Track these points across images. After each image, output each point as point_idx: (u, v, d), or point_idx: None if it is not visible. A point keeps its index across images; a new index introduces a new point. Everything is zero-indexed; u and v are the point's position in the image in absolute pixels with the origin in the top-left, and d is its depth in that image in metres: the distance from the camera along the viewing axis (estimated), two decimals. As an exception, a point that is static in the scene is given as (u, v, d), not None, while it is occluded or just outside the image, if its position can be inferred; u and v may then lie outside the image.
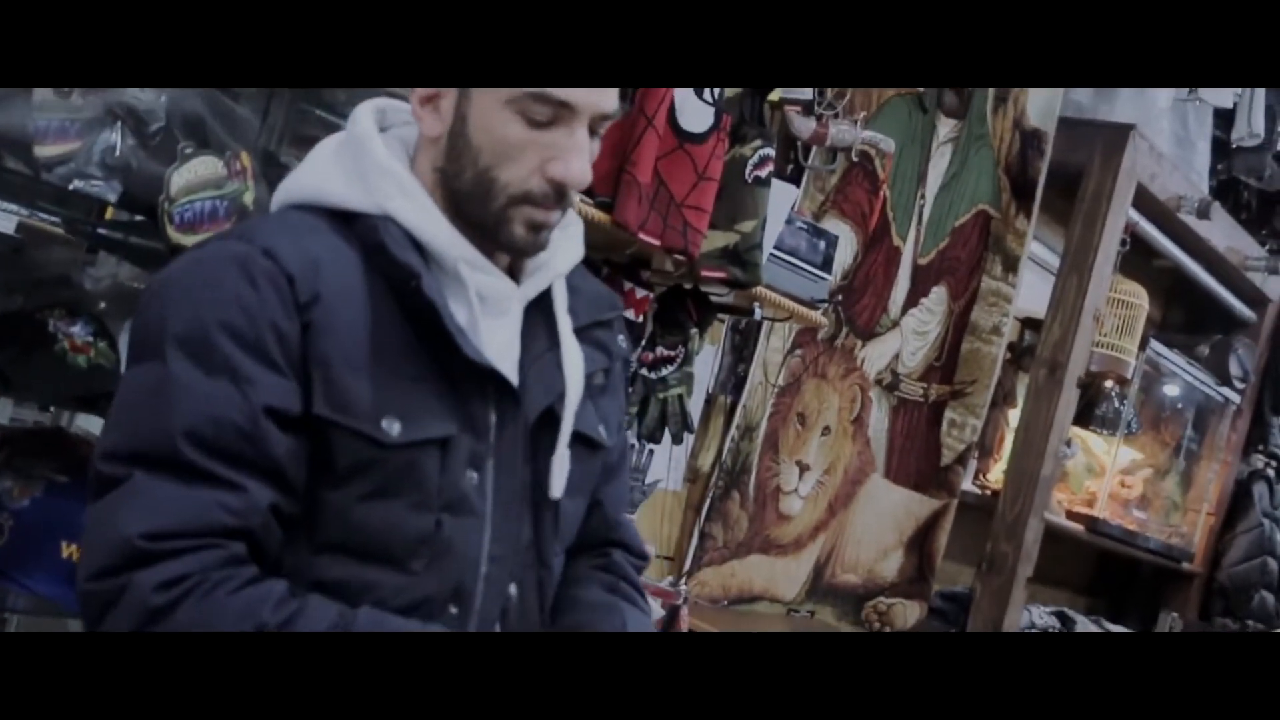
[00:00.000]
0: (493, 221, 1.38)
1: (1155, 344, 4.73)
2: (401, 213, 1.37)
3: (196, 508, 1.23)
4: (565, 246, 1.49)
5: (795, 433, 3.49)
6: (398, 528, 1.33)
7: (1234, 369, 5.19)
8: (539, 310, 1.48)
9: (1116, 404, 4.48)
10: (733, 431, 3.27)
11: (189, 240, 1.64)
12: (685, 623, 2.97)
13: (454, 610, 1.36)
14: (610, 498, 1.61)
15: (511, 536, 1.41)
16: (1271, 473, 5.51)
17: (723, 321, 3.13)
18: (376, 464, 1.31)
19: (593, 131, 1.38)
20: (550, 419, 1.45)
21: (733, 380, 3.27)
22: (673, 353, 2.67)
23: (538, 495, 1.45)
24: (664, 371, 2.66)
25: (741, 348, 3.27)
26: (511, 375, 1.41)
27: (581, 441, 1.49)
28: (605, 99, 1.37)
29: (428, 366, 1.35)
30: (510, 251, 1.43)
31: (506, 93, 1.33)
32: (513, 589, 1.43)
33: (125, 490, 1.23)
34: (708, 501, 3.26)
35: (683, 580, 3.15)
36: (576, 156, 1.36)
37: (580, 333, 1.51)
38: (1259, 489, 5.42)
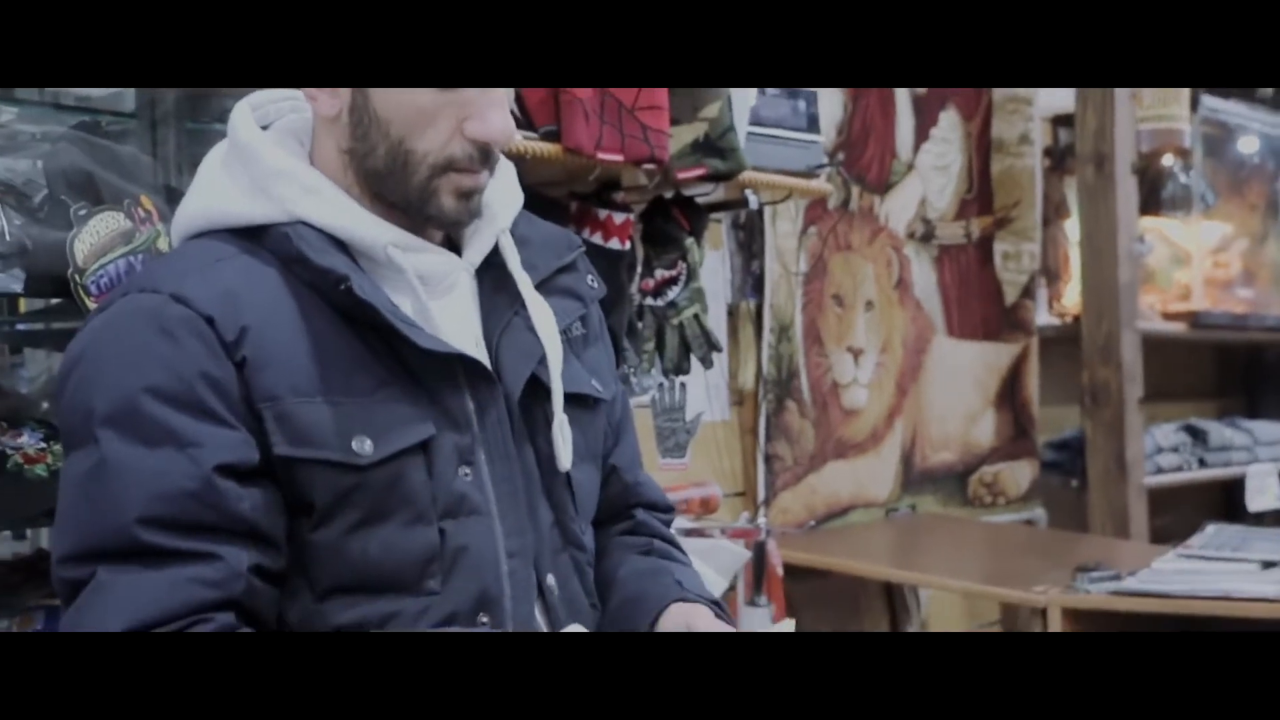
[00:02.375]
0: (417, 196, 1.42)
1: (1207, 100, 4.74)
2: (312, 213, 1.40)
3: (172, 590, 1.27)
4: (499, 197, 1.51)
5: (836, 317, 3.54)
6: (400, 550, 1.37)
7: (1308, 100, 5.20)
8: (491, 274, 1.51)
9: (1182, 179, 4.51)
10: (767, 336, 3.32)
11: (112, 308, 1.69)
12: (776, 557, 3.04)
13: (485, 620, 1.39)
14: (623, 459, 1.65)
15: (527, 526, 1.45)
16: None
17: (719, 222, 3.17)
18: (358, 489, 1.35)
19: None
20: (536, 388, 1.48)
21: (750, 281, 3.32)
22: (673, 272, 2.72)
23: (546, 473, 1.49)
24: (670, 294, 2.71)
25: (748, 244, 3.31)
26: (478, 353, 1.44)
27: (576, 402, 1.52)
28: None
29: (385, 371, 1.38)
30: (442, 225, 1.46)
31: None
32: (550, 579, 1.47)
33: (93, 591, 1.27)
34: (763, 420, 3.32)
35: (760, 513, 3.21)
36: (495, 110, 1.40)
37: (543, 286, 1.53)
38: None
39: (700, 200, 2.77)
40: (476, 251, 1.50)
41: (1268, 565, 2.72)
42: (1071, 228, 4.31)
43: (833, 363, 3.53)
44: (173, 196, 1.95)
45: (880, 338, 3.69)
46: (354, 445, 1.35)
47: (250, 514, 1.31)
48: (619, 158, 2.42)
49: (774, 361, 3.35)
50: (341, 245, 1.41)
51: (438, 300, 1.45)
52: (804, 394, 3.44)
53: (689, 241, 2.73)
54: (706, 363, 2.78)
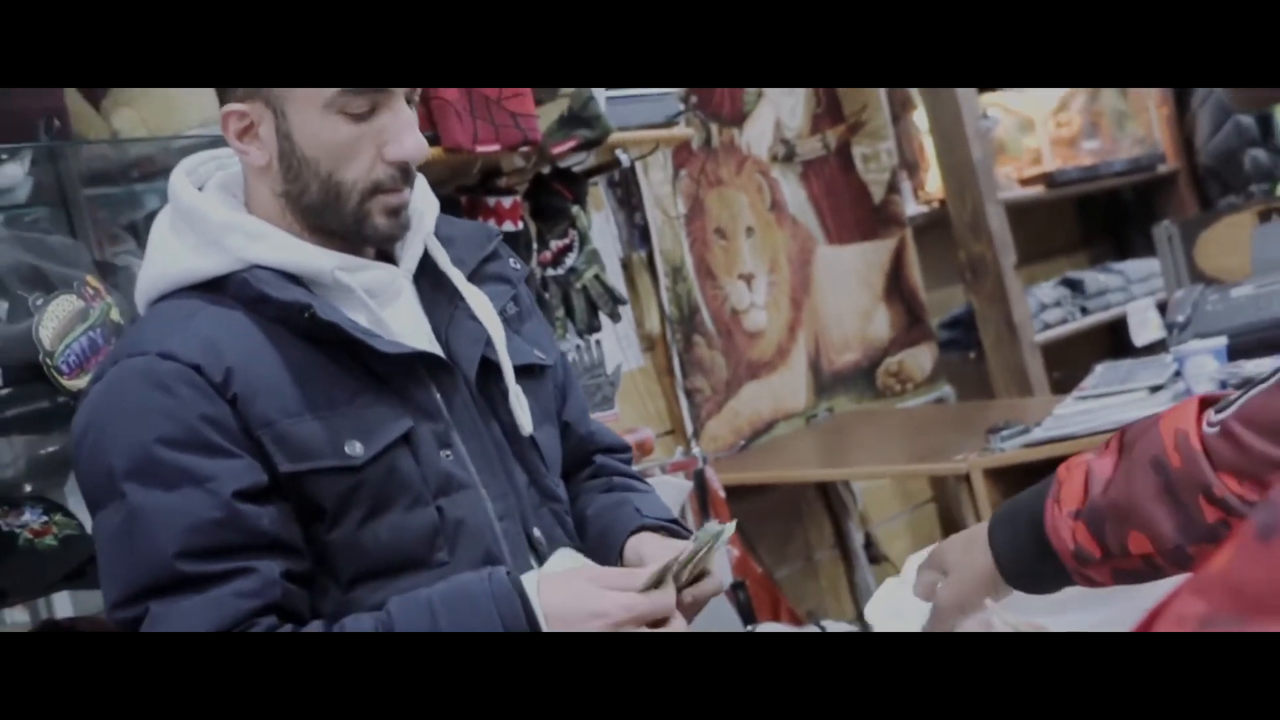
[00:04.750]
0: (353, 221, 1.60)
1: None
2: (263, 256, 1.58)
3: (220, 608, 1.46)
4: (420, 206, 1.70)
5: (722, 249, 3.77)
6: (407, 531, 1.57)
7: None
8: (426, 276, 1.70)
9: (1012, 52, 4.76)
10: (662, 281, 3.54)
11: (85, 380, 1.86)
12: (715, 481, 3.28)
13: None
14: (574, 414, 1.87)
15: (508, 489, 1.66)
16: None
17: (596, 185, 3.37)
18: (359, 487, 1.55)
19: (409, 101, 1.60)
20: (488, 368, 1.68)
21: (636, 233, 3.53)
22: (566, 240, 2.93)
23: (512, 440, 1.69)
24: (568, 262, 2.92)
25: (627, 199, 3.52)
26: (434, 348, 1.65)
27: (525, 372, 1.73)
28: None
29: (357, 380, 1.58)
30: (377, 242, 1.65)
31: (320, 99, 1.54)
32: (537, 532, 1.68)
33: (150, 624, 1.46)
34: (675, 359, 3.54)
35: (692, 445, 3.44)
36: (408, 132, 1.58)
37: (474, 276, 1.73)
38: (1194, 56, 5.74)
39: (577, 169, 2.98)
40: (410, 259, 1.69)
41: (1155, 389, 2.98)
42: (920, 118, 4.55)
43: (728, 292, 3.76)
44: (106, 270, 2.12)
45: (766, 260, 3.91)
46: (347, 449, 1.54)
47: (271, 528, 1.50)
48: (497, 147, 2.62)
49: (674, 303, 3.56)
50: (295, 278, 1.59)
51: (387, 309, 1.64)
52: (708, 327, 3.66)
53: (575, 210, 2.94)
54: (615, 317, 3.00)
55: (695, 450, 3.26)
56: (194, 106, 2.18)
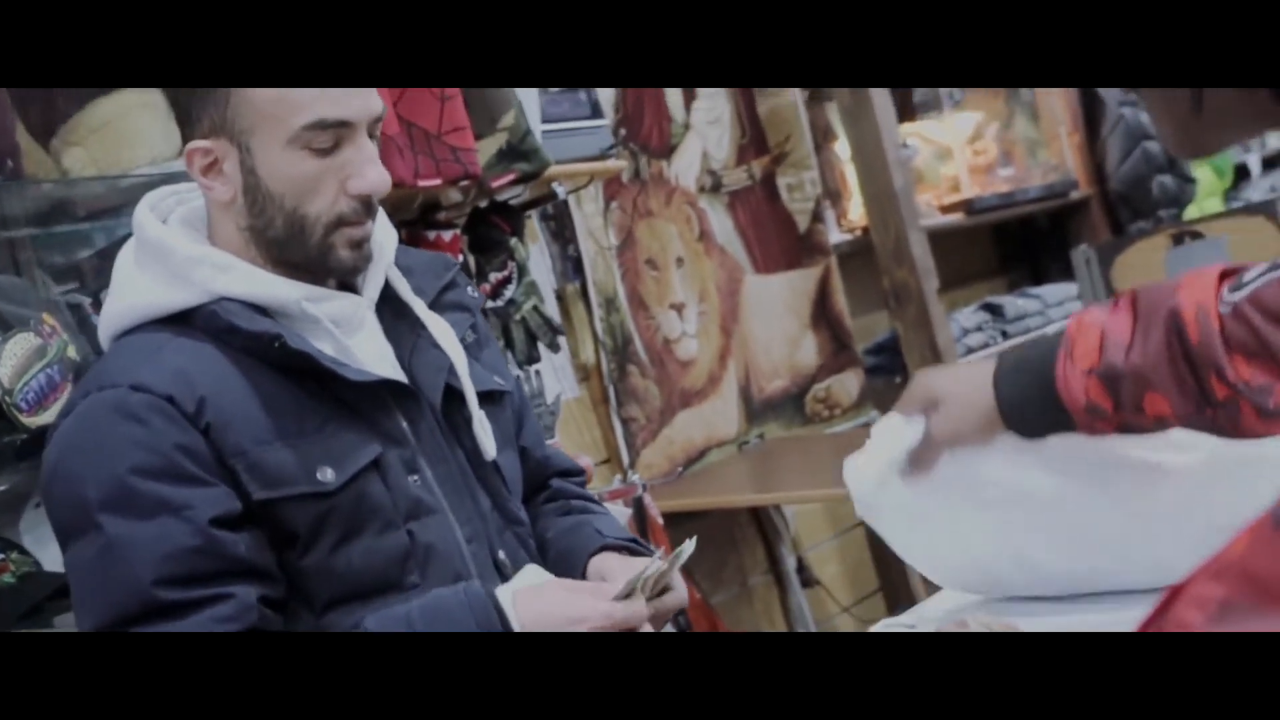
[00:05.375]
0: (317, 254, 1.64)
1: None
2: (231, 288, 1.61)
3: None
4: (380, 238, 1.74)
5: (653, 280, 3.82)
6: (379, 555, 1.60)
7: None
8: (388, 306, 1.75)
9: (929, 83, 4.88)
10: (596, 312, 3.59)
11: (46, 417, 1.88)
12: (653, 508, 3.32)
13: None
14: (530, 439, 1.92)
15: (474, 513, 1.70)
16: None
17: (529, 218, 3.41)
18: (331, 513, 1.58)
19: (371, 135, 1.64)
20: (451, 394, 1.73)
21: (569, 264, 3.57)
22: (505, 273, 2.97)
23: (476, 465, 1.74)
24: (507, 294, 2.96)
25: (560, 231, 3.57)
26: (399, 375, 1.69)
27: (486, 399, 1.77)
28: (373, 101, 1.63)
29: (326, 408, 1.61)
30: (341, 274, 1.69)
31: (285, 135, 1.58)
32: (502, 554, 1.72)
33: None
34: (610, 388, 3.58)
35: (631, 472, 3.48)
36: (370, 166, 1.62)
37: (434, 305, 1.78)
38: (1101, 82, 5.89)
39: (514, 202, 3.02)
40: (373, 288, 1.73)
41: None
42: (841, 148, 4.64)
43: (660, 322, 3.81)
44: (55, 308, 2.14)
45: (696, 289, 3.97)
46: (318, 476, 1.57)
47: (247, 555, 1.53)
48: (438, 181, 2.66)
49: (608, 333, 3.61)
50: (261, 310, 1.62)
51: (353, 338, 1.67)
52: (641, 356, 3.71)
53: (513, 242, 2.98)
54: (554, 347, 3.04)
55: (634, 477, 3.30)
56: (143, 145, 2.20)
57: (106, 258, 2.13)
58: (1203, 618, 0.67)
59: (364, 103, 1.62)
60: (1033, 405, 1.53)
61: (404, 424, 1.67)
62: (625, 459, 3.57)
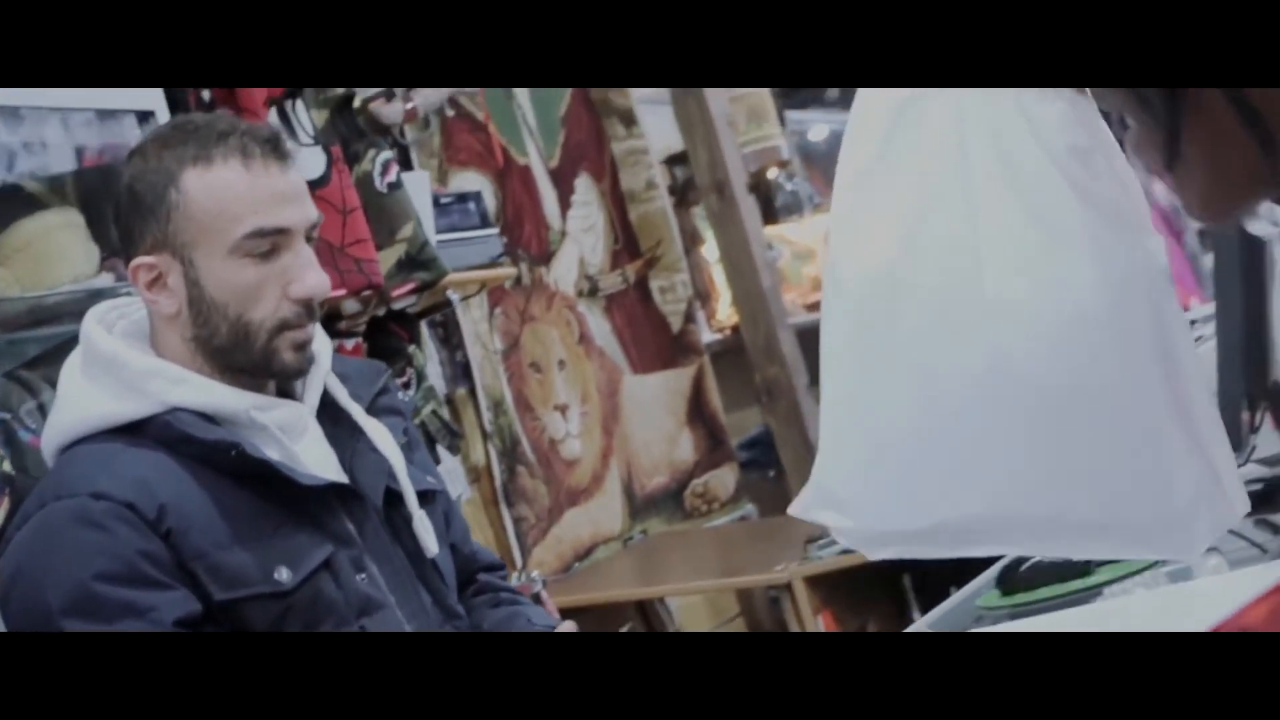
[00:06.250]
0: (261, 359, 1.72)
1: (791, 114, 5.35)
2: (185, 399, 1.69)
3: None
4: (317, 346, 1.83)
5: (537, 382, 3.93)
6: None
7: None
8: (327, 412, 1.83)
9: (789, 187, 5.09)
10: (485, 415, 3.68)
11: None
12: (550, 604, 3.40)
13: None
14: (458, 536, 2.01)
15: (419, 608, 1.79)
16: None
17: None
18: (288, 611, 1.66)
19: (308, 239, 1.74)
20: (390, 496, 1.81)
21: (458, 369, 3.67)
22: (404, 379, 3.05)
23: (416, 563, 1.83)
24: (407, 399, 3.04)
25: (448, 338, 3.66)
26: (344, 479, 1.77)
27: (423, 498, 1.86)
28: (310, 209, 1.73)
29: (278, 511, 1.69)
30: (285, 377, 1.77)
31: (226, 245, 1.67)
32: None
33: None
34: (500, 490, 3.67)
35: (527, 571, 3.56)
36: (309, 270, 1.72)
37: (370, 410, 1.87)
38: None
39: (410, 310, 3.11)
40: (314, 396, 1.81)
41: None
42: (709, 250, 4.81)
43: (545, 423, 3.91)
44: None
45: (578, 390, 4.08)
46: (276, 576, 1.65)
47: None
48: (343, 292, 2.74)
49: (497, 435, 3.70)
50: (210, 418, 1.69)
51: (298, 444, 1.75)
52: (529, 457, 3.81)
53: (411, 349, 3.07)
54: (454, 449, 3.13)
55: (533, 574, 3.38)
56: (65, 264, 2.26)
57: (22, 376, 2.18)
58: None
59: (300, 210, 1.71)
60: None
61: (349, 525, 1.75)
62: (517, 558, 3.65)
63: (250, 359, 1.72)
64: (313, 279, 1.72)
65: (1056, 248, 1.07)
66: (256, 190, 1.69)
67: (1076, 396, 1.08)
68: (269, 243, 1.68)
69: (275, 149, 1.72)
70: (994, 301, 1.09)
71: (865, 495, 1.21)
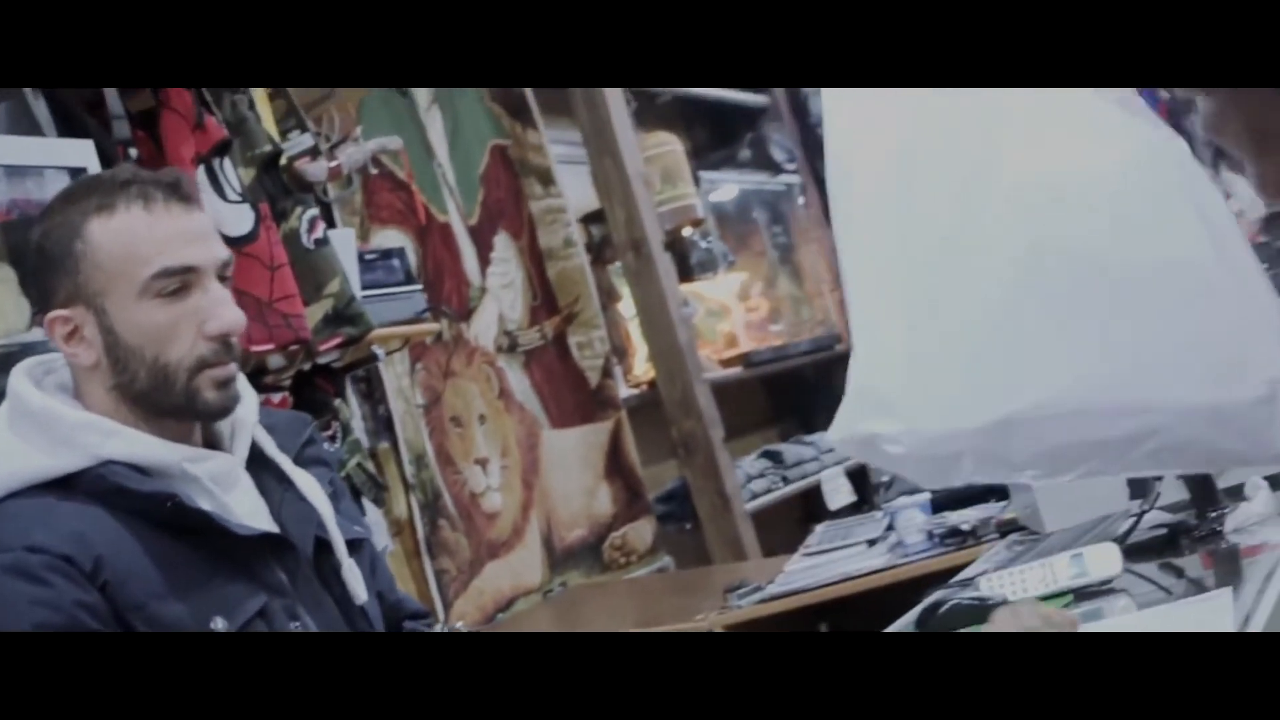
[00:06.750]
0: (184, 400, 1.73)
1: (704, 174, 5.45)
2: (118, 451, 1.69)
3: None
4: (243, 400, 1.85)
5: (458, 436, 3.97)
6: None
7: (777, 155, 6.02)
8: (255, 463, 1.85)
9: (704, 245, 5.18)
10: (407, 468, 3.71)
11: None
12: (473, 656, 3.42)
13: None
14: (384, 584, 2.03)
15: None
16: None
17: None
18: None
19: (222, 279, 1.74)
20: (319, 545, 1.84)
21: (380, 424, 3.70)
22: (329, 431, 3.08)
23: (346, 610, 1.85)
24: (334, 451, 3.07)
25: (370, 393, 3.69)
26: (274, 528, 1.80)
27: (351, 547, 1.89)
28: (217, 248, 1.74)
29: (212, 561, 1.71)
30: (210, 416, 1.78)
31: (134, 289, 1.67)
32: None
33: None
34: (422, 542, 3.70)
35: (448, 623, 3.59)
36: (223, 307, 1.72)
37: (298, 460, 1.90)
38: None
39: (335, 365, 3.15)
40: (242, 447, 1.83)
41: (871, 543, 3.30)
42: (625, 307, 4.88)
43: (466, 477, 3.95)
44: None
45: (499, 444, 4.13)
46: (211, 625, 1.67)
47: None
48: (271, 346, 2.77)
49: (419, 488, 3.73)
50: (142, 470, 1.71)
51: (229, 495, 1.77)
52: (450, 510, 3.84)
53: (337, 403, 3.10)
54: (379, 502, 3.16)
55: (458, 625, 3.41)
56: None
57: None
58: None
59: (207, 249, 1.73)
60: None
61: (281, 574, 1.77)
62: (440, 609, 3.67)
63: (172, 401, 1.73)
64: (228, 315, 1.73)
65: (1074, 124, 1.05)
66: (159, 231, 1.70)
67: (1130, 269, 1.03)
68: (178, 281, 1.69)
69: (176, 191, 1.73)
70: (1016, 183, 1.05)
71: (919, 395, 1.12)
